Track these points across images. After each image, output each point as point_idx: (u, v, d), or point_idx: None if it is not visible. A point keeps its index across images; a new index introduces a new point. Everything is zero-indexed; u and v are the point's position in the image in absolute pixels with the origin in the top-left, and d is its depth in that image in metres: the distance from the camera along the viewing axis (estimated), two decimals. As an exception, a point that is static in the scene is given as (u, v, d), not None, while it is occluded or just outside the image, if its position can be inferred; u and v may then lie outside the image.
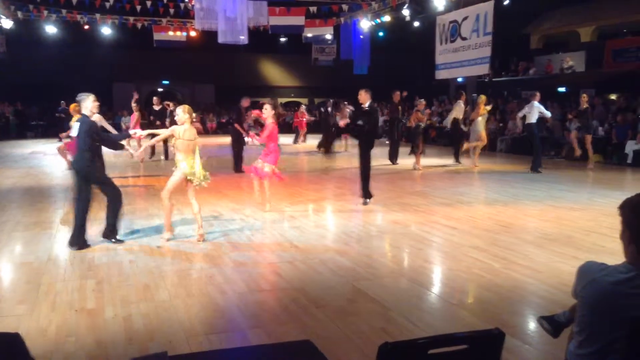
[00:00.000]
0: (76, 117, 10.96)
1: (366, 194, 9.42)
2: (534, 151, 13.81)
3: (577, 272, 2.52)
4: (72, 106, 11.35)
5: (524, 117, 13.95)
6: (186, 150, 6.82)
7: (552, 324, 3.05)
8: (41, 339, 4.15)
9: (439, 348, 2.03)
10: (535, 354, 3.95)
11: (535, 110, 13.42)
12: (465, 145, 15.04)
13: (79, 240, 6.67)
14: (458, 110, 15.60)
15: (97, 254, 6.43)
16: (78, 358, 3.86)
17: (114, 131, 10.95)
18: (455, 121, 15.73)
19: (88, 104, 6.76)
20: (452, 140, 16.65)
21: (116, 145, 7.50)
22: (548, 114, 13.96)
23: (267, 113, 8.68)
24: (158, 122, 15.68)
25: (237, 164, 13.49)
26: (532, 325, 4.41)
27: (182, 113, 6.81)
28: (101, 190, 6.96)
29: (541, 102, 13.89)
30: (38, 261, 6.17)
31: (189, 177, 6.85)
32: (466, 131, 15.50)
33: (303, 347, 2.54)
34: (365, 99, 9.29)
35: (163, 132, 7.35)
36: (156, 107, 16.47)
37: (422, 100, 15.35)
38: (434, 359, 2.03)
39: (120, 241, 6.93)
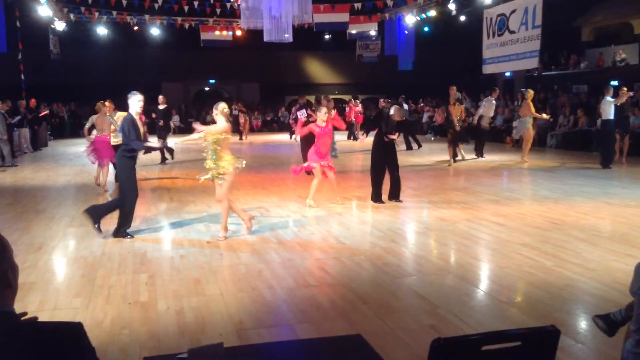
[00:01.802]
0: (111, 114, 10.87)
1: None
2: (605, 147, 13.34)
3: (635, 270, 2.47)
4: (99, 104, 11.37)
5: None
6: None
7: (607, 323, 3.00)
8: (97, 330, 4.29)
9: (492, 344, 2.01)
10: (588, 354, 3.86)
11: (609, 105, 12.91)
12: (525, 147, 14.71)
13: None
14: (488, 107, 15.33)
15: (149, 249, 6.60)
16: (132, 349, 3.98)
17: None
18: (481, 117, 15.50)
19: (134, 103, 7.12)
20: (474, 135, 16.23)
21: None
22: (613, 100, 13.12)
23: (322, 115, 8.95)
24: (161, 122, 15.03)
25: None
26: (585, 323, 4.32)
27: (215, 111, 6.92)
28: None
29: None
30: (92, 256, 6.37)
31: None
32: (488, 129, 15.31)
33: (354, 341, 2.55)
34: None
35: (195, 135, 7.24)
36: (161, 107, 15.57)
37: (453, 87, 15.01)
38: (486, 355, 2.01)
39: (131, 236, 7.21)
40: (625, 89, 13.79)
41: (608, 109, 12.95)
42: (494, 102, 15.35)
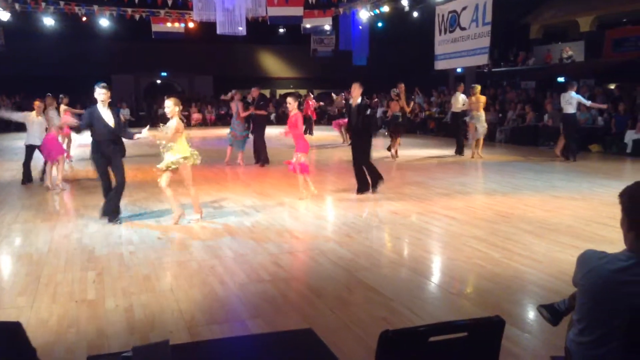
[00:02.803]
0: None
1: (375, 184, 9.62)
2: (571, 140, 13.86)
3: (577, 261, 2.53)
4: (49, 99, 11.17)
5: (560, 109, 14.02)
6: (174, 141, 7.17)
7: (552, 313, 3.07)
8: (42, 330, 4.16)
9: (439, 335, 2.03)
10: (534, 342, 3.96)
11: (575, 100, 13.46)
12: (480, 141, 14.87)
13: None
14: (456, 102, 15.50)
15: (97, 245, 6.44)
16: (80, 348, 3.87)
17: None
18: (455, 114, 15.65)
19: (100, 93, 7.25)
20: (453, 132, 16.36)
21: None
22: (587, 102, 14.20)
23: (292, 106, 8.99)
24: None
25: (263, 156, 13.39)
26: (531, 314, 4.43)
27: (172, 106, 7.15)
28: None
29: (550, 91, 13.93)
30: (38, 253, 6.18)
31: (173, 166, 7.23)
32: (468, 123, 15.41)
33: (304, 336, 2.54)
34: (358, 93, 9.27)
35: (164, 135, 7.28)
36: None
37: (402, 85, 15.07)
38: (434, 346, 2.03)
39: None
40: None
41: (574, 102, 13.50)
42: (460, 96, 15.39)
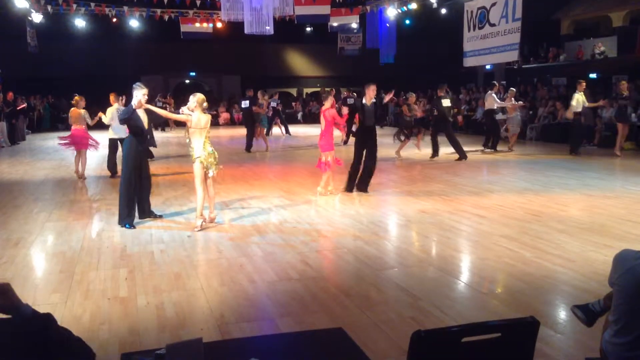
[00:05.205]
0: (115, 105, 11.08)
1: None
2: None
3: (614, 260, 2.48)
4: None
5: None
6: (199, 137, 7.03)
7: (586, 313, 3.02)
8: (75, 326, 4.22)
9: (472, 336, 2.01)
10: (568, 343, 3.90)
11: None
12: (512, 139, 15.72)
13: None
14: (489, 101, 15.46)
15: (128, 244, 6.53)
16: (112, 345, 3.94)
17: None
18: (489, 112, 15.63)
19: (138, 94, 7.18)
20: (488, 130, 16.42)
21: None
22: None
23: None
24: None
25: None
26: (564, 314, 4.36)
27: (192, 100, 7.03)
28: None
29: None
30: (71, 251, 6.29)
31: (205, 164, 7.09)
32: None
33: (335, 335, 2.54)
34: (372, 95, 9.44)
35: (179, 115, 7.27)
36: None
37: (412, 94, 15.28)
38: (467, 347, 2.01)
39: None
40: (624, 82, 14.63)
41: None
42: (493, 95, 15.44)
